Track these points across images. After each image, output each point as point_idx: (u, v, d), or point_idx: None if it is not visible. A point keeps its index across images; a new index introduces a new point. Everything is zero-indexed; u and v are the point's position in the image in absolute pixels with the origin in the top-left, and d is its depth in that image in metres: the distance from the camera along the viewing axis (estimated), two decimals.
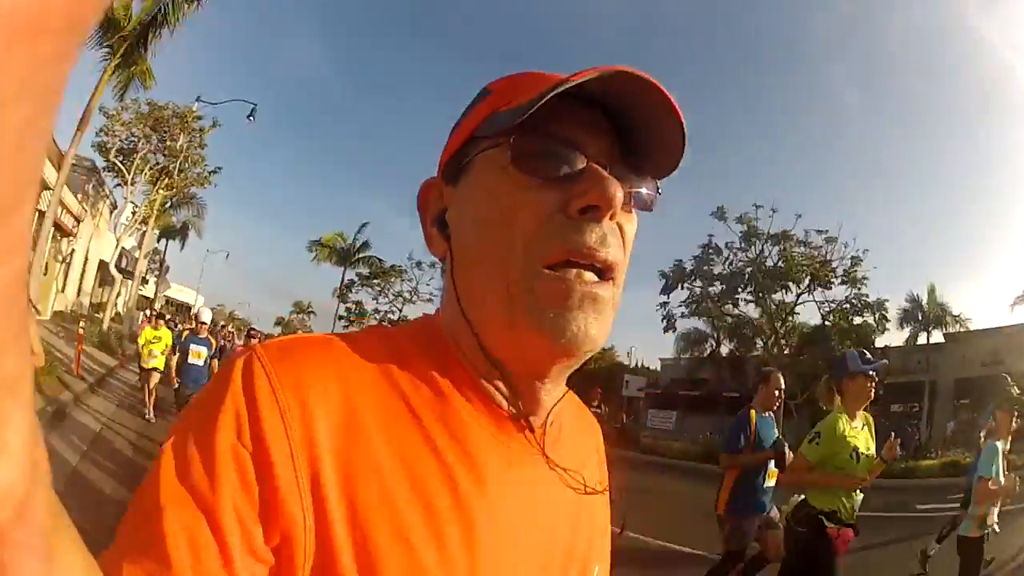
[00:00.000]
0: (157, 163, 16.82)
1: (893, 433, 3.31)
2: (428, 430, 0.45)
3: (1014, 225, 44.81)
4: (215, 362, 7.26)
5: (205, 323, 7.72)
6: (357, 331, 0.51)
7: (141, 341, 8.54)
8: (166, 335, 8.47)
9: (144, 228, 18.47)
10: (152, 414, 8.08)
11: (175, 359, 7.48)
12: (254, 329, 8.39)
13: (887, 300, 18.44)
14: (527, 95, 0.45)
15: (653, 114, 0.47)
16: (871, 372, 3.12)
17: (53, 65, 0.16)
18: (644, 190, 0.51)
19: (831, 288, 17.48)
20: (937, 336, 23.54)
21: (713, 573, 3.97)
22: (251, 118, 16.27)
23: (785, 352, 19.03)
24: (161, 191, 17.35)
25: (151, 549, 0.35)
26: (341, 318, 25.72)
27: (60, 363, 9.39)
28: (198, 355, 7.21)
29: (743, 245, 20.65)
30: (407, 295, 23.97)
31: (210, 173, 18.34)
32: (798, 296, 17.37)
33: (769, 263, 18.31)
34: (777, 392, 4.00)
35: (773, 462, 3.79)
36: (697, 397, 25.98)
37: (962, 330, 22.96)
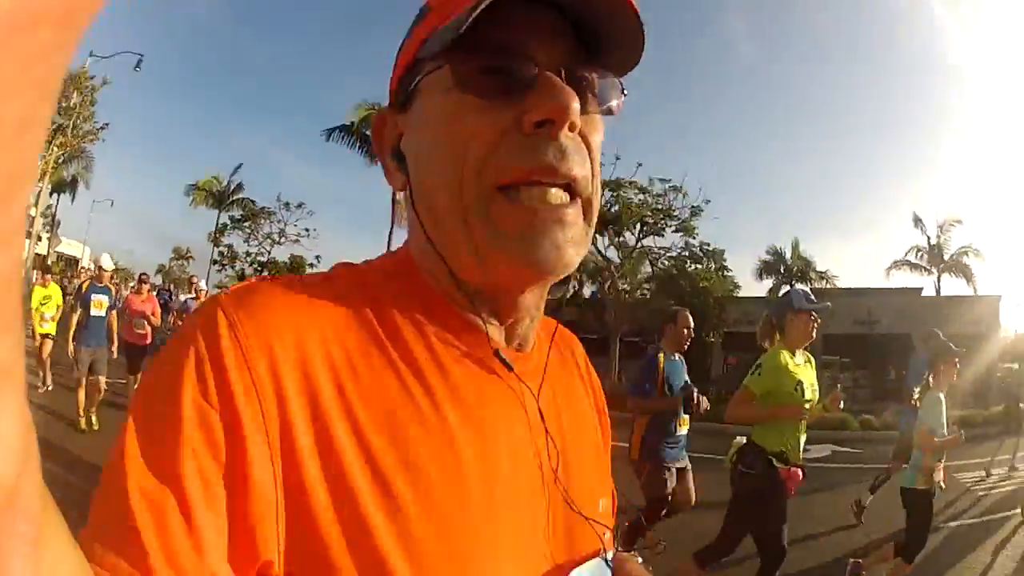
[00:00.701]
0: (52, 122, 17.13)
1: (839, 386, 3.37)
2: (405, 367, 0.44)
3: (896, 191, 50.25)
4: (113, 315, 6.65)
5: (107, 270, 6.90)
6: (324, 271, 0.50)
7: (33, 304, 7.78)
8: (56, 293, 7.94)
9: (40, 184, 18.80)
10: (49, 381, 7.65)
11: (77, 314, 6.65)
12: (144, 274, 7.87)
13: (723, 250, 18.92)
14: (463, 4, 0.42)
15: (605, 7, 0.44)
16: (814, 312, 3.10)
17: (53, 55, 0.16)
18: (609, 91, 0.48)
19: (663, 236, 17.91)
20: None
21: (637, 524, 3.62)
22: (138, 68, 17.36)
23: (639, 294, 19.39)
24: (55, 148, 17.92)
25: (122, 530, 0.33)
26: (215, 262, 25.61)
27: None
28: (99, 305, 6.52)
29: None
30: (275, 237, 24.14)
31: (99, 129, 19.01)
32: (637, 241, 17.90)
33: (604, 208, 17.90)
34: (686, 331, 3.85)
35: (683, 407, 3.69)
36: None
37: (830, 287, 23.07)
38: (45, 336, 7.76)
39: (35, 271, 10.05)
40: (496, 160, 0.43)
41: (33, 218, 19.96)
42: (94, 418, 6.16)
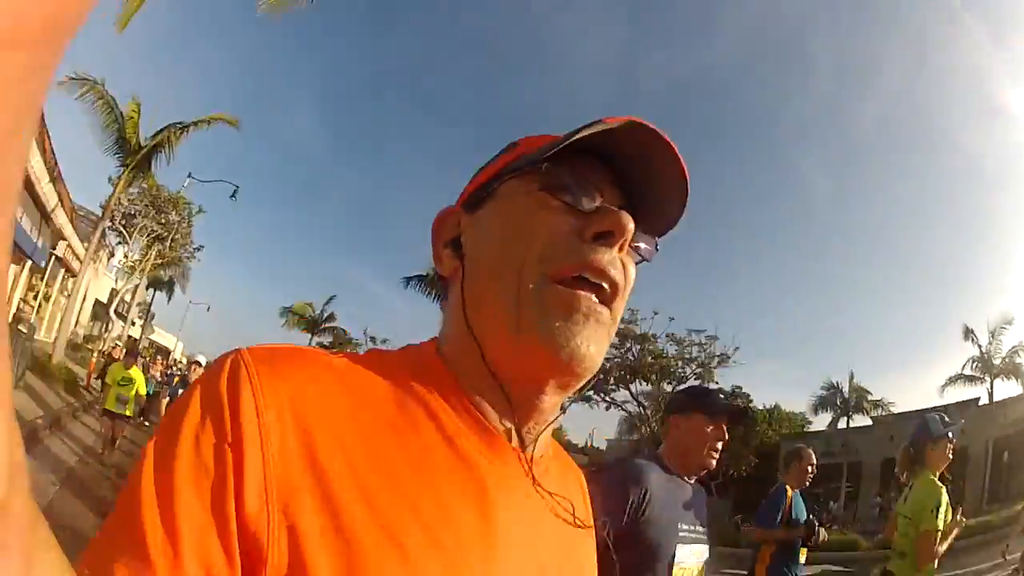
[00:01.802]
0: (152, 231, 20.25)
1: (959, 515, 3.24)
2: (414, 445, 0.45)
3: (939, 315, 48.65)
4: None
5: (202, 365, 6.99)
6: (353, 352, 0.53)
7: (108, 380, 7.78)
8: (139, 378, 7.75)
9: (136, 278, 21.86)
10: (113, 458, 7.51)
11: (165, 401, 6.91)
12: None
13: (740, 387, 21.12)
14: (552, 141, 0.51)
15: (658, 174, 0.52)
16: (951, 434, 3.06)
17: (30, 77, 0.16)
18: (643, 244, 0.55)
19: (683, 381, 19.18)
20: (861, 420, 25.87)
21: None
22: (234, 198, 19.27)
23: None
24: (153, 255, 20.87)
25: (133, 551, 0.35)
26: None
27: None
28: None
29: (616, 343, 21.84)
30: None
31: (195, 250, 22.69)
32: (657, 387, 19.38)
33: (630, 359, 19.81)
34: (810, 468, 3.94)
35: (803, 540, 3.74)
36: None
37: (885, 414, 24.78)
38: (118, 416, 7.52)
39: (123, 350, 10.53)
40: (557, 253, 0.48)
41: (128, 304, 22.83)
42: None
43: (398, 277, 22.56)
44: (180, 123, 14.70)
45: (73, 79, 12.78)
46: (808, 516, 3.92)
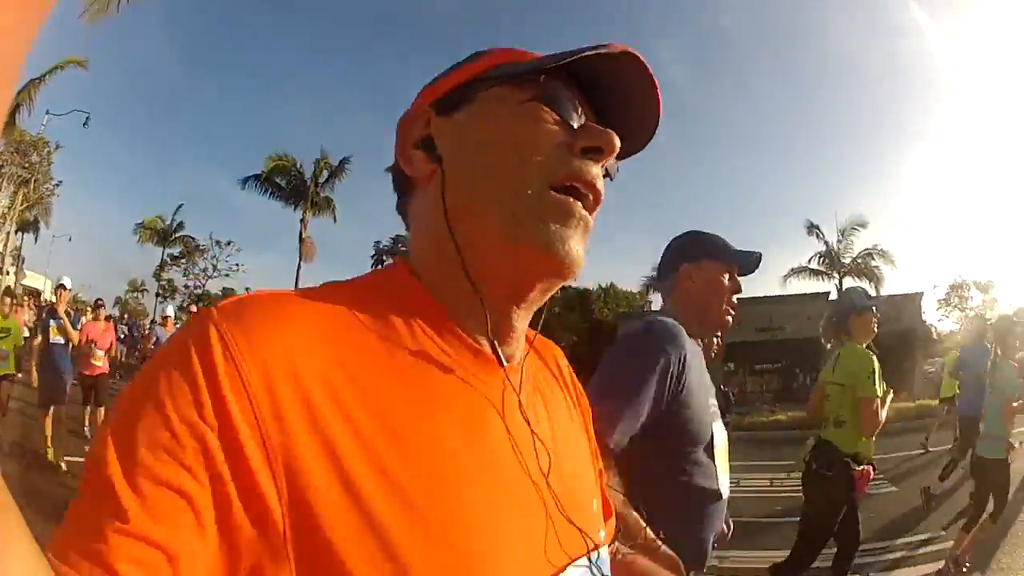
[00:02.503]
0: (18, 176, 20.79)
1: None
2: (399, 371, 0.45)
3: (784, 202, 50.16)
4: (74, 333, 6.37)
5: (67, 288, 6.46)
6: (314, 286, 0.50)
7: None
8: (15, 326, 6.59)
9: (8, 226, 22.29)
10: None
11: (37, 341, 6.47)
12: (99, 300, 7.78)
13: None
14: (525, 57, 0.54)
15: (633, 105, 0.55)
16: (875, 308, 3.16)
17: (13, 36, 0.18)
18: (609, 164, 0.55)
19: None
20: None
21: None
22: (86, 125, 19.92)
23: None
24: (19, 199, 21.29)
25: (96, 539, 0.33)
26: (157, 295, 28.58)
27: None
28: (56, 331, 6.25)
29: None
30: (209, 272, 27.35)
31: (55, 186, 22.96)
32: None
33: None
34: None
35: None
36: None
37: None
38: (1, 378, 6.30)
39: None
40: (552, 162, 0.50)
41: (2, 255, 22.93)
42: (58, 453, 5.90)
43: (237, 177, 22.77)
44: (37, 78, 15.72)
45: None
46: (721, 386, 4.08)
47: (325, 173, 23.43)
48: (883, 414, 3.01)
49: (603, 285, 32.33)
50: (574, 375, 0.70)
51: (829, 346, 3.41)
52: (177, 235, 30.78)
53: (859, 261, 23.31)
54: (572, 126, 0.53)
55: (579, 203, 0.51)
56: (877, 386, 2.99)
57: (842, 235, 23.70)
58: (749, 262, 1.67)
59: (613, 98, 0.55)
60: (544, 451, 0.52)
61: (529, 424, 0.52)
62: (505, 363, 0.52)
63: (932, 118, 51.53)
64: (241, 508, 0.37)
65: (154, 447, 0.35)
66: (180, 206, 31.23)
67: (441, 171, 0.53)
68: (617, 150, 0.52)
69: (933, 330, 24.07)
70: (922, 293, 25.44)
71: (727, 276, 1.63)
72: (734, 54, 56.84)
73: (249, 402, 0.38)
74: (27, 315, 12.48)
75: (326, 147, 31.93)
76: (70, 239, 33.87)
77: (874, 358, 3.07)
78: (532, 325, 0.59)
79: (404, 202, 0.58)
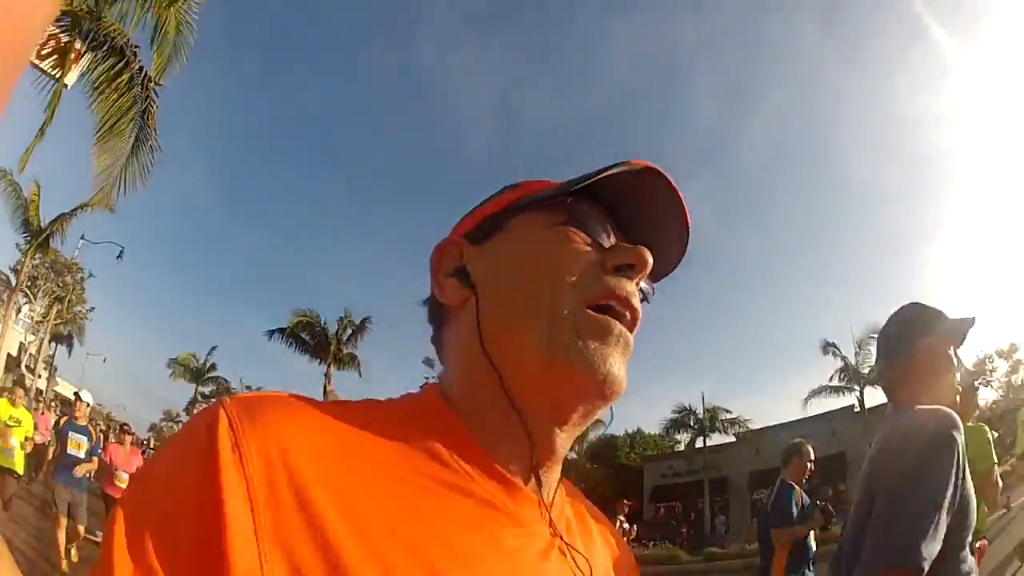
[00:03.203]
0: (53, 292, 23.24)
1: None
2: (419, 492, 0.43)
3: (799, 326, 51.48)
4: (96, 460, 6.13)
5: (87, 403, 6.34)
6: (349, 400, 0.50)
7: None
8: (27, 420, 6.31)
9: (42, 333, 24.70)
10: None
11: (52, 450, 6.30)
12: (127, 424, 7.80)
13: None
14: (564, 183, 0.53)
15: (661, 221, 0.55)
16: (976, 383, 3.06)
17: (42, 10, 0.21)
18: (644, 284, 0.55)
19: None
20: (723, 438, 27.12)
21: None
22: (119, 258, 21.36)
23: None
24: (53, 313, 23.66)
25: None
26: None
27: None
28: (77, 445, 5.98)
29: None
30: None
31: (88, 311, 26.01)
32: None
33: None
34: (810, 464, 4.01)
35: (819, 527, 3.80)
36: None
37: (743, 431, 26.36)
38: (6, 472, 6.01)
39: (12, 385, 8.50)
40: (587, 281, 0.50)
41: (36, 358, 25.32)
42: (73, 551, 5.86)
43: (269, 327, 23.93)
44: (66, 212, 17.86)
45: None
46: (814, 502, 3.97)
47: (349, 330, 24.12)
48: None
49: (629, 431, 33.07)
50: (631, 558, 0.65)
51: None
52: (210, 375, 32.58)
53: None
54: (603, 245, 0.53)
55: (617, 322, 0.50)
56: (993, 455, 2.95)
57: (859, 347, 23.52)
58: (964, 333, 1.55)
59: (641, 218, 0.56)
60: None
61: (570, 547, 0.50)
62: (541, 488, 0.51)
63: (944, 210, 52.30)
64: None
65: (157, 531, 0.36)
66: (214, 348, 33.19)
67: (475, 297, 0.53)
68: (650, 266, 0.52)
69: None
70: None
71: (954, 348, 1.52)
72: (751, 190, 58.75)
73: (244, 481, 0.37)
74: (52, 418, 12.87)
75: (351, 306, 33.04)
76: (104, 360, 36.30)
77: (985, 427, 3.03)
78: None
79: (438, 332, 0.58)
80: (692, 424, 27.36)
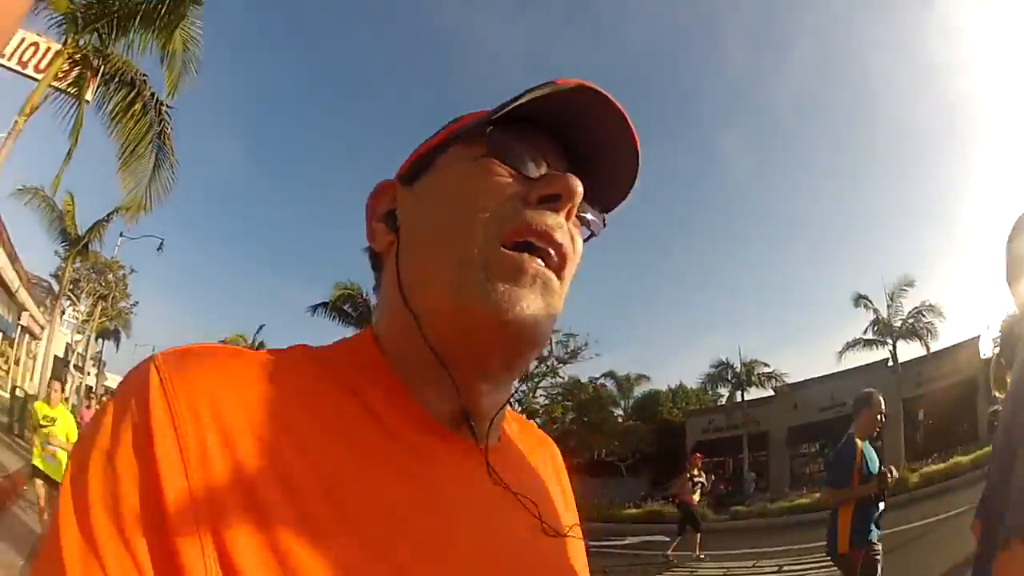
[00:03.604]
0: (96, 291, 24.02)
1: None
2: (351, 444, 0.41)
3: (831, 278, 49.00)
4: None
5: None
6: (280, 348, 0.48)
7: (31, 425, 5.93)
8: (64, 418, 5.78)
9: (88, 333, 25.61)
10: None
11: None
12: (89, 386, 7.87)
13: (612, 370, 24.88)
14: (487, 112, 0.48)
15: (606, 143, 0.50)
16: None
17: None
18: (590, 215, 0.52)
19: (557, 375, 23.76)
20: (761, 392, 27.04)
21: None
22: (160, 250, 21.95)
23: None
24: (98, 312, 24.61)
25: None
26: None
27: None
28: None
29: None
30: None
31: (132, 306, 26.78)
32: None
33: None
34: (880, 416, 3.73)
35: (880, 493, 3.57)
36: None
37: (779, 384, 26.13)
38: (46, 478, 5.60)
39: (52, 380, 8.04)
40: (502, 217, 0.45)
41: (84, 356, 26.33)
42: None
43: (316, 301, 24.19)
44: (102, 219, 18.58)
45: (21, 190, 15.94)
46: (879, 466, 3.71)
47: None
48: None
49: (671, 387, 32.96)
50: (566, 476, 0.63)
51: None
52: None
53: (911, 321, 22.78)
54: (529, 176, 0.48)
55: (535, 259, 0.46)
56: None
57: (891, 299, 23.06)
58: None
59: (585, 141, 0.51)
60: (516, 532, 0.47)
61: (516, 494, 0.48)
62: (477, 434, 0.48)
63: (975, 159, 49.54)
64: (169, 550, 0.34)
65: (95, 505, 0.35)
66: (261, 327, 33.51)
67: (397, 240, 0.51)
68: (578, 195, 0.47)
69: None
70: (978, 337, 24.08)
71: None
72: (786, 137, 56.57)
73: (177, 442, 0.36)
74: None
75: None
76: (153, 349, 37.59)
77: None
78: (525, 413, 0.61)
79: (376, 279, 0.55)
80: (730, 379, 27.13)
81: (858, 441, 3.68)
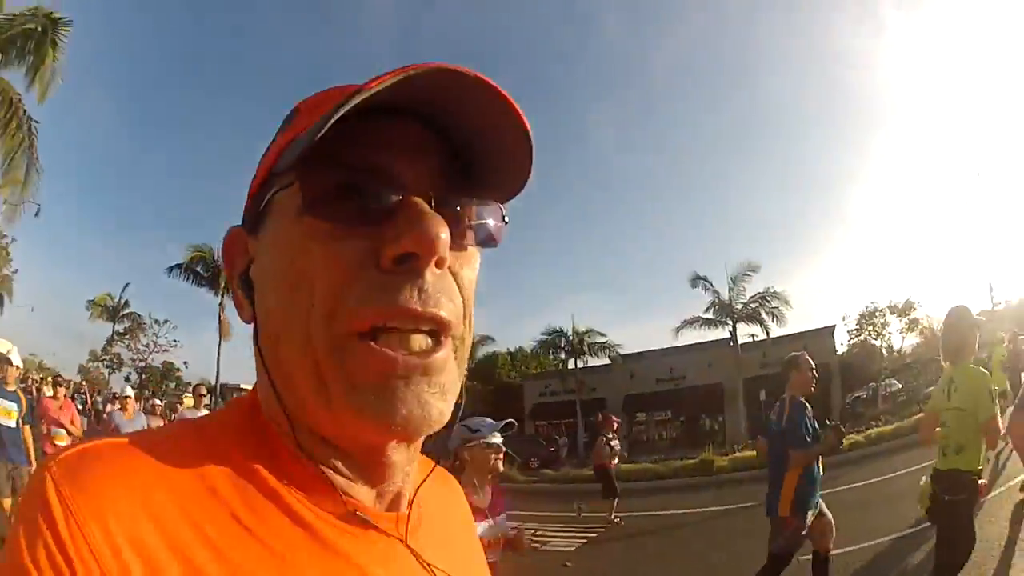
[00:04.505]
0: None
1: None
2: (271, 545, 0.38)
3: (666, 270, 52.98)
4: (28, 429, 5.50)
5: (16, 366, 5.60)
6: (163, 428, 0.45)
7: None
8: None
9: None
10: None
11: None
12: (59, 376, 7.79)
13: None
14: (327, 108, 0.35)
15: (490, 128, 0.40)
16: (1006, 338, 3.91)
17: None
18: (488, 220, 0.43)
19: None
20: (596, 361, 28.63)
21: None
22: (37, 216, 22.12)
23: None
24: None
25: None
26: (107, 367, 32.45)
27: None
28: (7, 413, 5.33)
29: None
30: (151, 347, 30.94)
31: (13, 272, 25.69)
32: None
33: None
34: (811, 373, 3.78)
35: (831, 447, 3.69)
36: None
37: (613, 355, 27.85)
38: None
39: None
40: (349, 302, 0.37)
41: None
42: None
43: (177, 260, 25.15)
44: None
45: None
46: (826, 420, 3.84)
47: None
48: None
49: (511, 350, 34.29)
50: (468, 508, 0.62)
51: (947, 366, 3.36)
52: (125, 312, 33.56)
53: (752, 305, 24.17)
54: (374, 223, 0.38)
55: (400, 350, 0.38)
56: (996, 401, 3.08)
57: (733, 282, 24.27)
58: None
59: (463, 130, 0.41)
60: None
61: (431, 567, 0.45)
62: (390, 509, 0.45)
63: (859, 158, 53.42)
64: None
65: None
66: (127, 285, 33.84)
67: (255, 320, 0.43)
68: (440, 244, 0.38)
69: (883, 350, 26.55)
70: (834, 327, 26.14)
71: None
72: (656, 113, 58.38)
73: (96, 561, 0.33)
74: None
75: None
76: (32, 309, 35.98)
77: (986, 373, 3.27)
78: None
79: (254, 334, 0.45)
80: (563, 346, 28.32)
81: (803, 399, 3.77)
